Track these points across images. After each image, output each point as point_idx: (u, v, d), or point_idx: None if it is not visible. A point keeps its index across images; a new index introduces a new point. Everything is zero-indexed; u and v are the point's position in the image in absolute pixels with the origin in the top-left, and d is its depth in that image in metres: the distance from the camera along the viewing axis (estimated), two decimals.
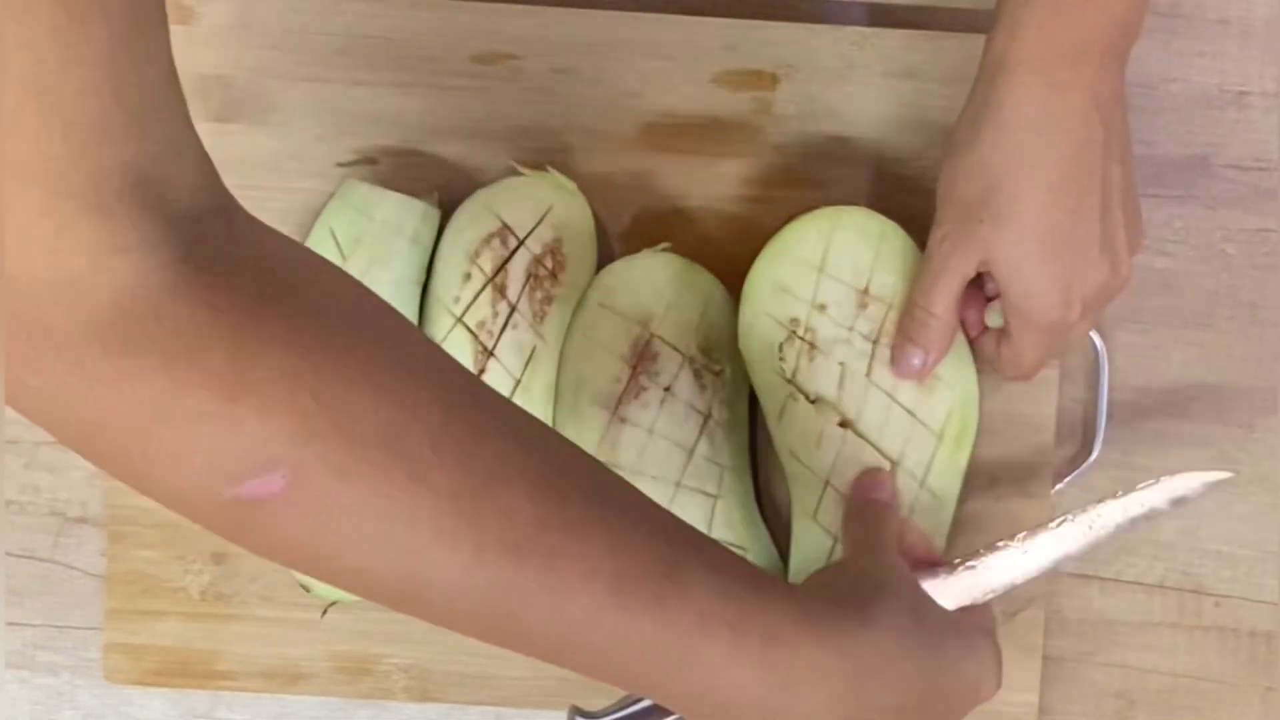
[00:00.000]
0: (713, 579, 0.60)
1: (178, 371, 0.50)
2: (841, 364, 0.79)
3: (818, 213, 0.80)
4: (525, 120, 0.82)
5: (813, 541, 0.79)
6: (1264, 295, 0.85)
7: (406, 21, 0.82)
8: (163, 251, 0.50)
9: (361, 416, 0.53)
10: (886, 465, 0.79)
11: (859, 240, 0.80)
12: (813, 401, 0.79)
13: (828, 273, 0.80)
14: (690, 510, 0.79)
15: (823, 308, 0.79)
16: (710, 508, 0.80)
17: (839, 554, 0.79)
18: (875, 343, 0.79)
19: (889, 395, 0.79)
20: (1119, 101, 0.73)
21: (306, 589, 0.80)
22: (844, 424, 0.79)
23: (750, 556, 0.79)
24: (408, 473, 0.54)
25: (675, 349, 0.80)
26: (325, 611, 0.81)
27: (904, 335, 0.78)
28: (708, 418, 0.80)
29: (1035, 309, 0.74)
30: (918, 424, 0.79)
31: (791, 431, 0.79)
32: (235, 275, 0.52)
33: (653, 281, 0.80)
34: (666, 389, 0.79)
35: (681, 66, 0.82)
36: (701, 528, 0.80)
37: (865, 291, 0.80)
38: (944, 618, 0.68)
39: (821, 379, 0.79)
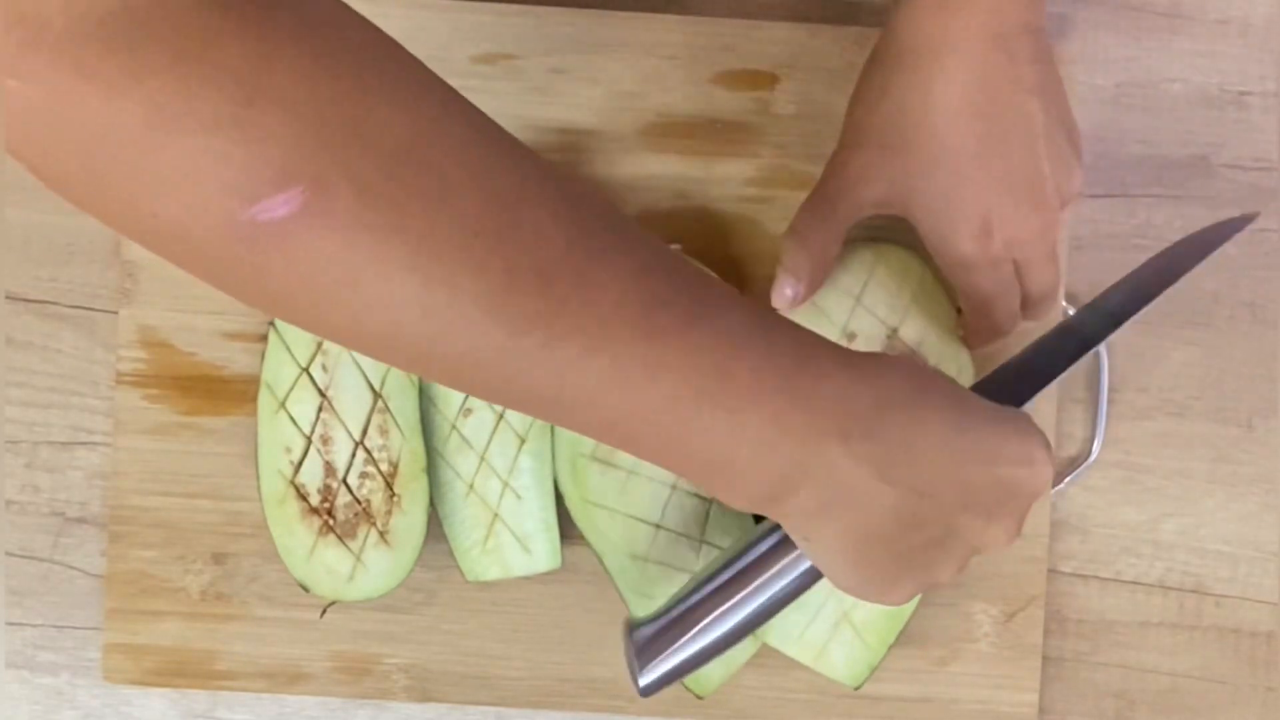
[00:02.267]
0: (738, 310, 0.59)
1: (188, 69, 0.46)
2: None
3: (864, 243, 0.79)
4: (525, 120, 0.82)
5: None
6: (1264, 295, 0.85)
7: (406, 21, 0.81)
8: None
9: (386, 128, 0.49)
10: None
11: (899, 280, 0.80)
12: None
13: (863, 304, 0.80)
14: (684, 512, 0.79)
15: (853, 336, 0.79)
16: (705, 511, 0.80)
17: None
18: None
19: None
20: (1030, 36, 0.71)
21: (305, 588, 0.80)
22: None
23: None
24: (437, 191, 0.50)
25: None
26: (324, 611, 0.82)
27: (781, 266, 0.76)
28: None
29: (949, 239, 0.73)
30: None
31: None
32: None
33: None
34: None
35: (681, 66, 0.82)
36: (695, 530, 0.80)
37: (895, 332, 0.79)
38: (985, 405, 0.65)
39: None
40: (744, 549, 0.70)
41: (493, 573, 0.81)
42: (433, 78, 0.54)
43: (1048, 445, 0.65)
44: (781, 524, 0.64)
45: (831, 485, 0.61)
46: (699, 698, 0.80)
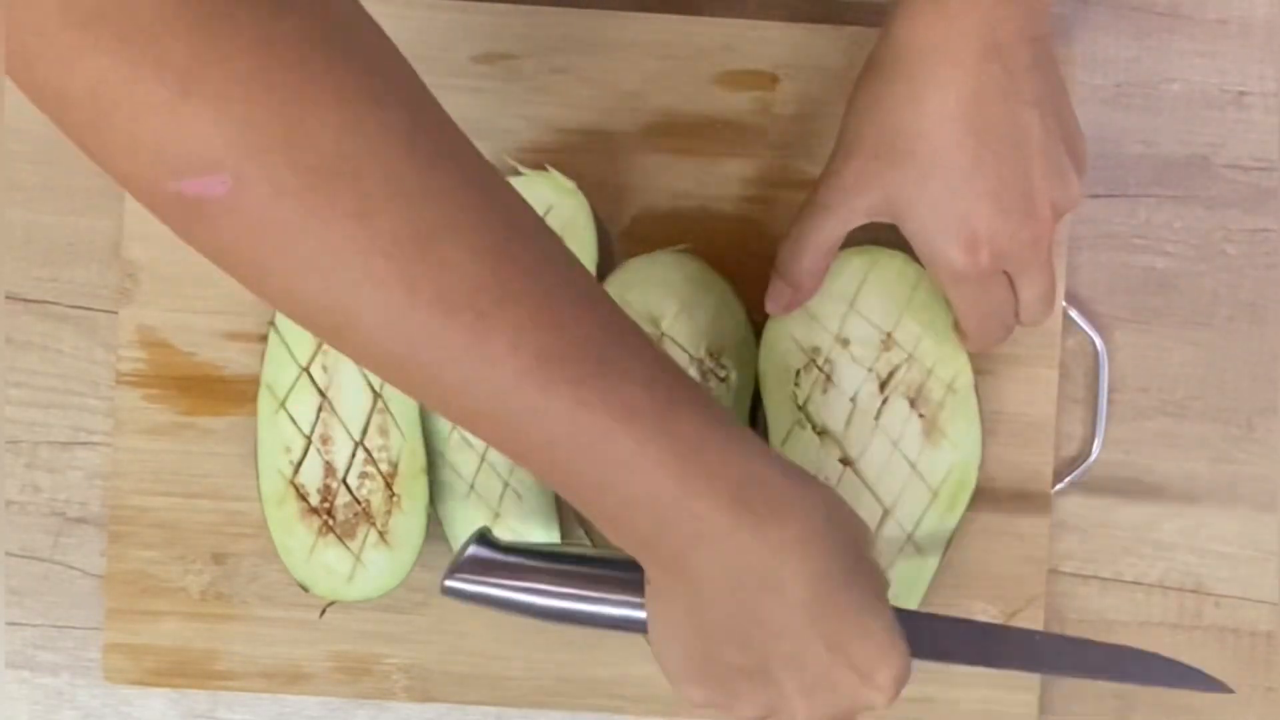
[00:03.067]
0: (640, 375, 0.60)
1: (132, 55, 0.50)
2: (853, 401, 0.79)
3: (859, 249, 0.79)
4: (525, 120, 0.82)
5: None
6: (1264, 295, 0.85)
7: (406, 21, 0.81)
8: None
9: (316, 141, 0.52)
10: (879, 511, 0.79)
11: (894, 284, 0.80)
12: (819, 433, 0.79)
13: (857, 309, 0.79)
14: None
15: (846, 342, 0.79)
16: None
17: None
18: (887, 384, 0.79)
19: (893, 442, 0.79)
20: (1028, 46, 0.70)
21: (305, 588, 0.80)
22: (845, 461, 0.79)
23: None
24: (353, 208, 0.53)
25: (684, 349, 0.80)
26: (324, 612, 0.82)
27: (776, 271, 0.77)
28: None
29: (938, 250, 0.72)
30: (917, 476, 0.79)
31: (793, 458, 0.79)
32: None
33: (670, 280, 0.80)
34: None
35: (681, 66, 0.82)
36: None
37: (890, 336, 0.79)
38: (873, 599, 0.65)
39: (831, 412, 0.79)
40: (609, 559, 0.70)
41: None
42: (398, 76, 0.56)
43: (899, 678, 0.65)
44: (645, 569, 0.65)
45: (694, 558, 0.62)
46: None
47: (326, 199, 0.53)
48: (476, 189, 0.57)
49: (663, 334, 0.80)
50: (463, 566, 0.70)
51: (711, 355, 0.80)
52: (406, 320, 0.55)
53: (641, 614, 0.68)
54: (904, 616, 0.67)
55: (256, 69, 0.51)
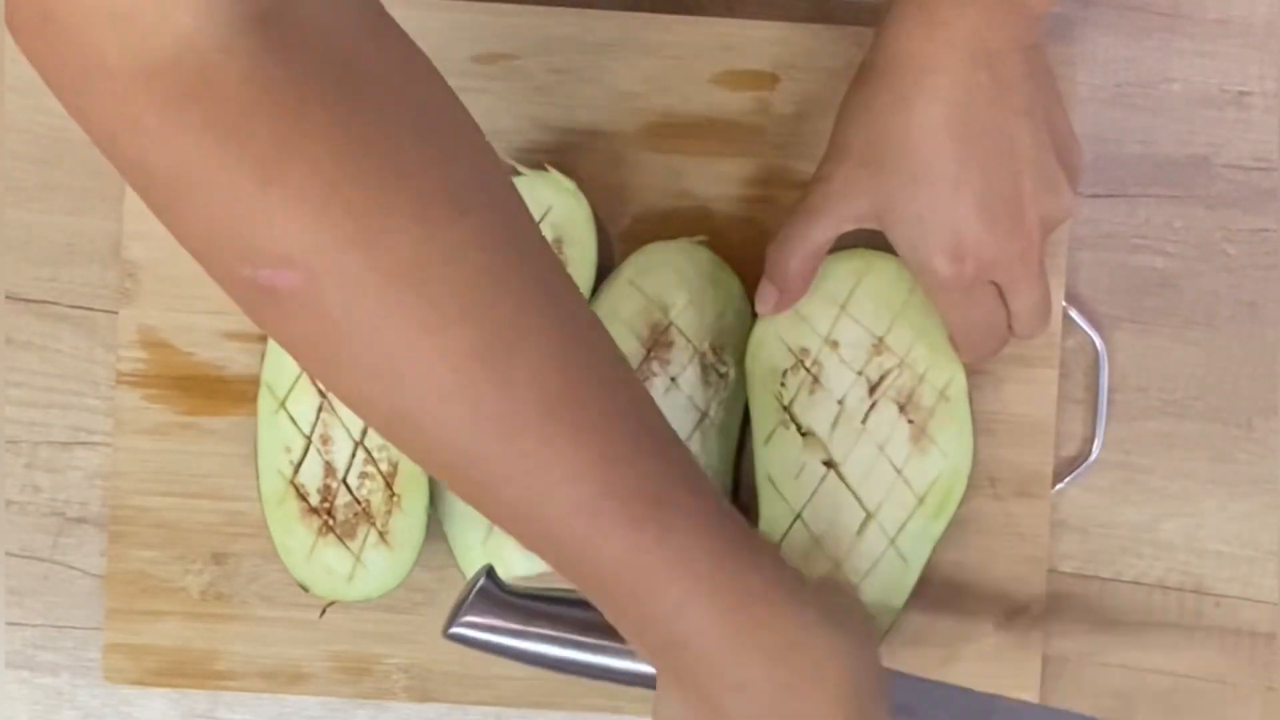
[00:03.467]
0: (697, 520, 0.59)
1: (217, 139, 0.49)
2: (840, 404, 0.79)
3: (852, 252, 0.79)
4: (525, 120, 0.82)
5: None
6: (1264, 295, 0.85)
7: (406, 21, 0.81)
8: (232, 6, 0.48)
9: (394, 248, 0.51)
10: (861, 514, 0.79)
11: (888, 289, 0.79)
12: (803, 434, 0.79)
13: (849, 312, 0.79)
14: None
15: (835, 345, 0.79)
16: None
17: None
18: (876, 388, 0.79)
19: (879, 447, 0.79)
20: (1020, 55, 0.70)
21: (305, 588, 0.80)
22: (829, 464, 0.79)
23: None
24: (423, 320, 0.52)
25: (689, 341, 0.80)
26: (324, 612, 0.81)
27: (766, 274, 0.77)
28: (705, 416, 0.80)
29: (923, 260, 0.72)
30: (902, 482, 0.79)
31: (775, 458, 0.79)
32: (302, 52, 0.50)
33: (683, 270, 0.80)
34: (673, 379, 0.80)
35: (681, 66, 0.82)
36: None
37: (881, 340, 0.79)
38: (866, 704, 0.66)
39: (817, 414, 0.79)
40: None
41: None
42: (481, 175, 0.54)
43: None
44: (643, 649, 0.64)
45: (728, 701, 0.62)
46: None
47: (400, 309, 0.52)
48: (546, 297, 0.56)
49: (670, 323, 0.80)
50: (470, 609, 0.68)
51: (714, 350, 0.80)
52: (469, 436, 0.55)
53: (645, 668, 0.67)
54: (903, 682, 0.69)
55: (337, 166, 0.50)
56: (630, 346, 0.79)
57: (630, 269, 0.80)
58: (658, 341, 0.80)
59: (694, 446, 0.79)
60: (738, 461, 0.81)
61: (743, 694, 0.62)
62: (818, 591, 0.65)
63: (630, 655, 0.68)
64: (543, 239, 0.57)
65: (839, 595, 0.68)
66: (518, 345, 0.54)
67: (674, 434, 0.61)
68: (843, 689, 0.63)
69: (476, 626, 0.68)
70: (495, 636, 0.68)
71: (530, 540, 0.60)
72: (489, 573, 0.69)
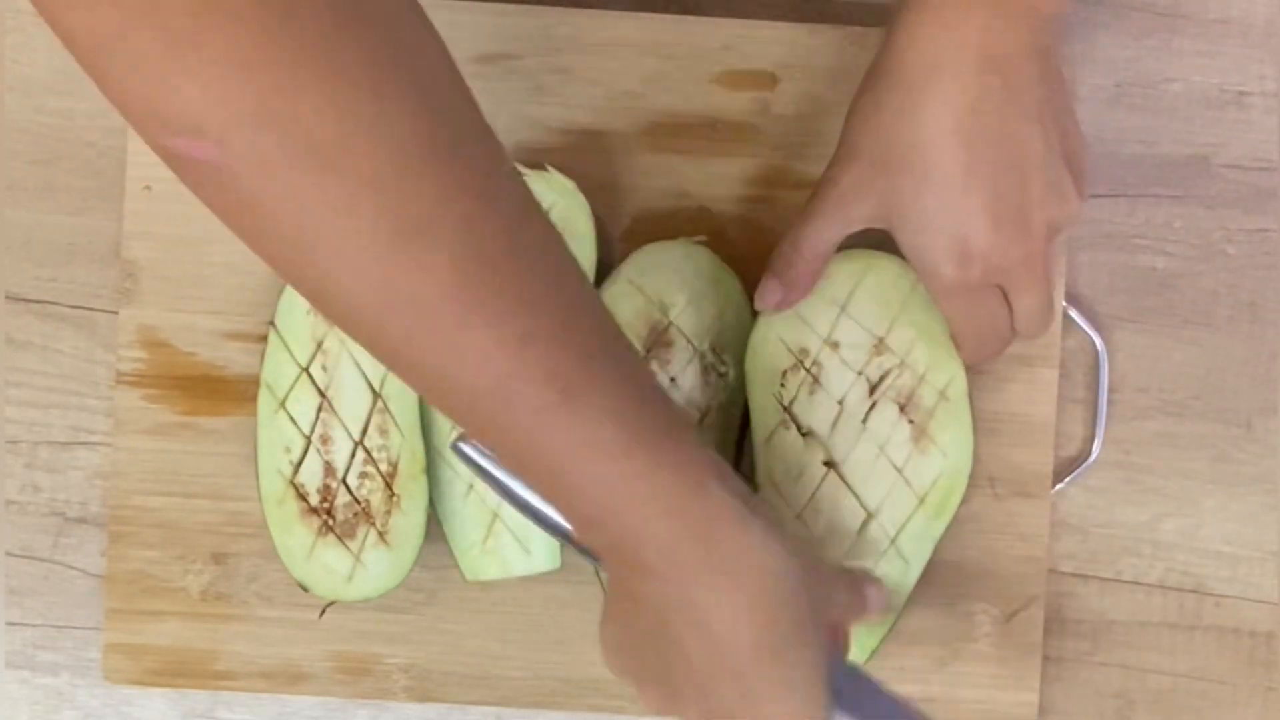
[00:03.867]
0: (614, 404, 0.60)
1: (131, 11, 0.49)
2: (840, 404, 0.79)
3: (852, 253, 0.79)
4: (525, 120, 0.82)
5: None
6: (1264, 295, 0.85)
7: None
8: None
9: (305, 127, 0.51)
10: (862, 514, 0.79)
11: (888, 289, 0.79)
12: (804, 434, 0.79)
13: (849, 313, 0.79)
14: None
15: (835, 345, 0.79)
16: None
17: None
18: (877, 389, 0.79)
19: (880, 447, 0.79)
20: (1032, 59, 0.70)
21: (305, 588, 0.80)
22: (829, 464, 0.79)
23: None
24: (333, 199, 0.52)
25: (689, 341, 0.80)
26: (324, 612, 0.81)
27: (770, 269, 0.77)
28: (704, 415, 0.80)
29: (930, 262, 0.72)
30: (903, 482, 0.79)
31: (775, 458, 0.79)
32: None
33: (683, 271, 0.80)
34: (673, 379, 0.80)
35: (681, 66, 0.82)
36: None
37: (882, 341, 0.79)
38: (807, 655, 0.65)
39: (817, 414, 0.79)
40: None
41: (492, 572, 0.81)
42: (408, 82, 0.54)
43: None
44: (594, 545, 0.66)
45: (642, 587, 0.63)
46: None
47: (310, 186, 0.52)
48: (468, 175, 0.56)
49: (670, 324, 0.80)
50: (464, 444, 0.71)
51: (714, 351, 0.80)
52: (384, 314, 0.55)
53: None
54: (857, 685, 0.68)
55: (256, 49, 0.50)
56: None
57: (630, 269, 0.80)
58: (658, 341, 0.80)
59: None
60: (738, 462, 0.81)
61: (657, 578, 0.63)
62: (746, 493, 0.65)
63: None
64: (484, 123, 0.58)
65: (773, 514, 0.68)
66: (430, 226, 0.54)
67: (607, 315, 0.61)
68: (762, 593, 0.63)
69: (480, 450, 0.71)
70: (494, 466, 0.71)
71: (456, 417, 0.61)
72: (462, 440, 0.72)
